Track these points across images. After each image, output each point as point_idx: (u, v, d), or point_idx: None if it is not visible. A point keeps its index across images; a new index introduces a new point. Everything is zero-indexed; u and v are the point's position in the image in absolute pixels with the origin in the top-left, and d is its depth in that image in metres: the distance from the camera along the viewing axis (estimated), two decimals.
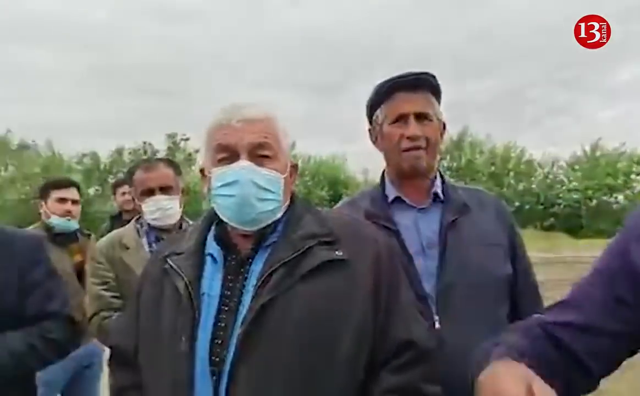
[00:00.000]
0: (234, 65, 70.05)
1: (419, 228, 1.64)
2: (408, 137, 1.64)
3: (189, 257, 1.36)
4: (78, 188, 3.57)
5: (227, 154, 1.31)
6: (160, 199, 2.50)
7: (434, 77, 1.70)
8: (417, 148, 1.64)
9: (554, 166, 37.50)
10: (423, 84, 1.69)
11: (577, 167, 36.12)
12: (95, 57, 65.18)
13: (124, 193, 4.44)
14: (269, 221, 1.35)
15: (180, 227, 2.55)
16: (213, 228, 1.42)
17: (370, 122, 1.78)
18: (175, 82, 67.00)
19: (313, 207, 1.45)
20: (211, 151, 1.34)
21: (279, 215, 1.37)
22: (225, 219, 1.35)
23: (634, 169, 35.09)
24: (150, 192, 2.51)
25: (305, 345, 1.21)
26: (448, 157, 35.11)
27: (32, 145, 40.00)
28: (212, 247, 1.38)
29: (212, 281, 1.33)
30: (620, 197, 35.37)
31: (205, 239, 1.41)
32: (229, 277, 1.32)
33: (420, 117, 1.64)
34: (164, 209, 2.50)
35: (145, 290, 1.45)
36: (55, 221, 3.37)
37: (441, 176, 1.75)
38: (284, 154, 1.37)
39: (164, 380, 1.28)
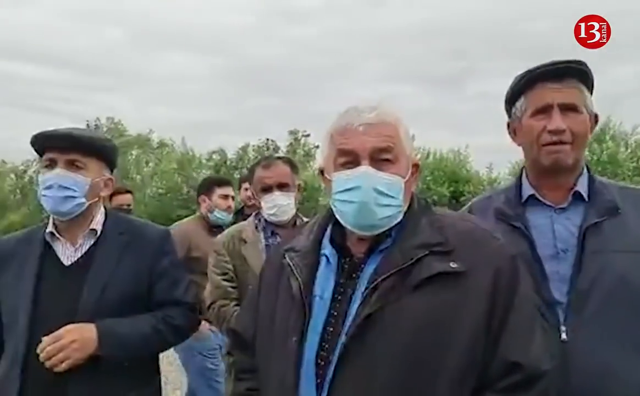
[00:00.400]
0: (352, 61, 70.79)
1: (554, 230, 1.52)
2: (550, 131, 1.51)
3: (305, 256, 1.38)
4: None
5: (349, 158, 1.30)
6: (277, 196, 2.55)
7: (583, 64, 1.55)
8: (561, 143, 1.50)
9: None
10: (570, 72, 1.54)
11: None
12: (226, 59, 69.82)
13: (246, 189, 4.64)
14: (389, 226, 1.32)
15: (295, 223, 2.59)
16: (329, 228, 1.41)
17: (509, 115, 1.66)
18: (297, 81, 69.39)
19: (431, 210, 1.38)
20: (333, 154, 1.34)
21: (398, 219, 1.33)
22: (343, 223, 1.34)
23: None
24: (268, 189, 2.57)
25: (409, 359, 1.17)
26: (586, 150, 32.11)
27: (170, 143, 43.84)
28: (327, 248, 1.39)
29: (325, 284, 1.33)
30: None
31: (322, 238, 1.41)
32: (341, 281, 1.32)
33: (566, 108, 1.51)
34: (280, 206, 2.55)
35: (264, 283, 1.49)
36: (219, 214, 3.79)
37: (589, 173, 1.60)
38: (405, 156, 1.34)
39: (273, 373, 1.32)
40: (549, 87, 1.53)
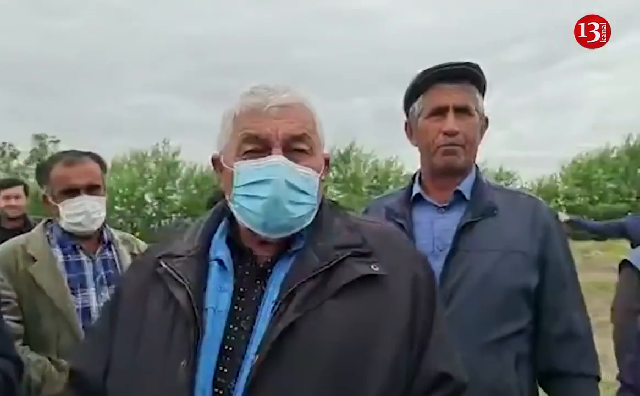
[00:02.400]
0: (111, 67, 65.69)
1: (434, 228, 1.55)
2: (445, 133, 1.52)
3: (190, 261, 1.13)
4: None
5: (258, 146, 1.10)
6: (86, 200, 2.06)
7: (478, 67, 1.59)
8: (454, 145, 1.53)
9: None
10: (465, 74, 1.56)
11: None
12: None
13: (8, 197, 3.99)
14: (299, 228, 1.13)
15: (101, 234, 2.15)
16: (221, 228, 1.20)
17: (407, 114, 1.67)
18: (45, 81, 61.04)
19: (341, 210, 1.24)
20: (237, 139, 1.12)
21: (311, 219, 1.15)
22: (247, 224, 1.12)
23: None
24: (74, 191, 2.06)
25: (334, 375, 1.02)
26: (335, 169, 36.13)
27: None
28: (220, 251, 1.16)
29: (220, 294, 1.11)
30: None
31: (211, 241, 1.18)
32: (241, 289, 1.11)
33: (460, 110, 1.53)
34: (89, 212, 2.07)
35: (124, 302, 1.20)
36: None
37: (477, 174, 1.63)
38: (320, 149, 1.18)
39: None
40: (445, 88, 1.54)
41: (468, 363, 1.31)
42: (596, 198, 33.08)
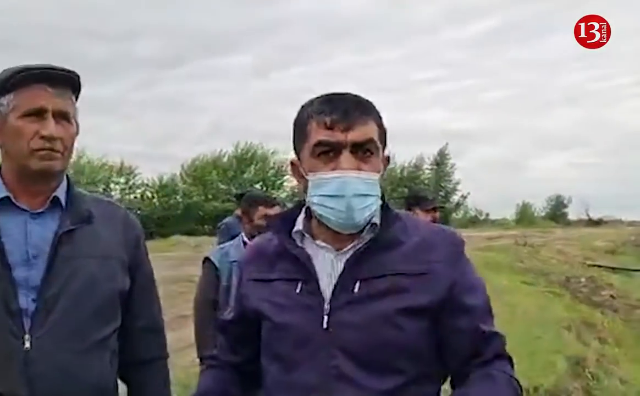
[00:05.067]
0: None
1: (27, 235, 1.49)
2: (44, 137, 1.46)
3: None
4: None
5: None
6: None
7: (79, 77, 1.56)
8: (53, 150, 1.48)
9: None
10: (67, 81, 1.53)
11: None
12: None
13: None
14: None
15: None
16: None
17: None
18: None
19: None
20: None
21: None
22: None
23: None
24: None
25: None
26: None
27: None
28: None
29: None
30: None
31: None
32: None
33: (60, 116, 1.49)
34: None
35: None
36: None
37: (68, 180, 1.60)
38: None
39: None
40: (47, 90, 1.47)
41: (75, 366, 1.45)
42: (210, 196, 36.48)
